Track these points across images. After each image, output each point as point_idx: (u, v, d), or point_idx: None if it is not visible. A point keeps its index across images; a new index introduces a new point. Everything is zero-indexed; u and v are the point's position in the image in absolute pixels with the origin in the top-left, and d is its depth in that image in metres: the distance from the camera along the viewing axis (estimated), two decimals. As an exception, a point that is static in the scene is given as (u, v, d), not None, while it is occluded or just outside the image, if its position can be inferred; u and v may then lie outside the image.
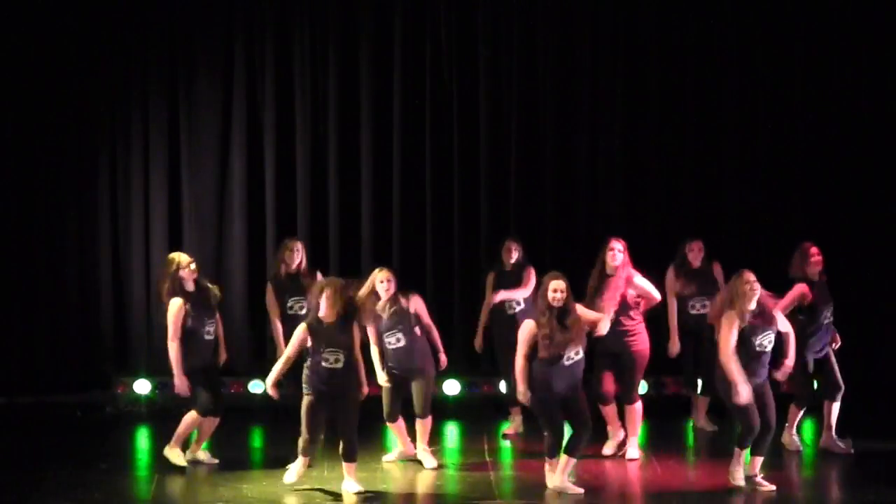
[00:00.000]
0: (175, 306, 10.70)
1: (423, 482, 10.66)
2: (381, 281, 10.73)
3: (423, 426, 11.00)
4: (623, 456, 11.14)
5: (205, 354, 10.84)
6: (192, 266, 10.81)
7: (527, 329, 10.04)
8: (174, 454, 10.91)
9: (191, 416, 10.85)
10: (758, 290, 9.94)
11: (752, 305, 9.92)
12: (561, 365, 9.93)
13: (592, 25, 13.76)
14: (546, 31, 13.73)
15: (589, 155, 13.84)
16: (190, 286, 10.80)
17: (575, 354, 9.97)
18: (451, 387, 13.35)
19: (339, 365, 9.94)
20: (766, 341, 9.98)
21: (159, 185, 13.71)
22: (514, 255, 12.02)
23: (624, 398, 11.14)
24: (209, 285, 10.98)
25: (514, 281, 11.94)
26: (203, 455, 11.08)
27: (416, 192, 13.80)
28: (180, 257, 10.88)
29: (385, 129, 13.76)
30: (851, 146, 13.79)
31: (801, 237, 13.34)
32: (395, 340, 10.78)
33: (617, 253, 10.95)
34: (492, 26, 13.74)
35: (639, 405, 11.14)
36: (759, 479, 10.13)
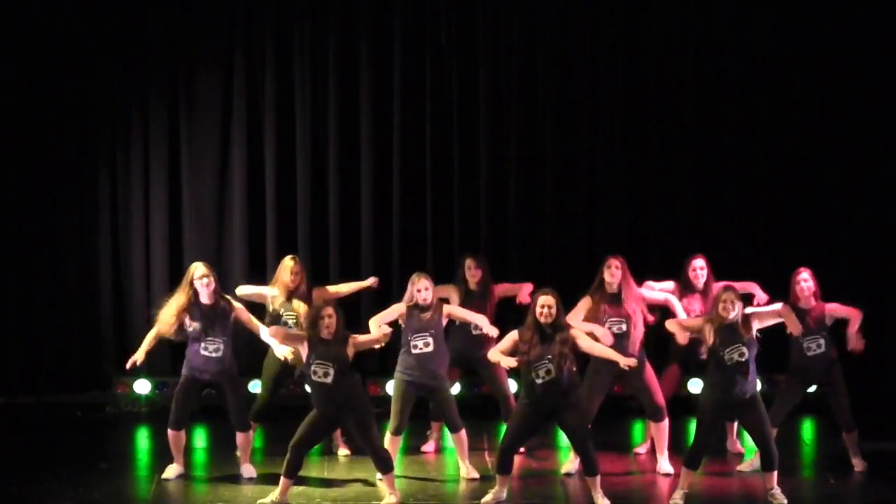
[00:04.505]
0: (176, 301, 10.50)
1: (422, 482, 10.66)
2: (419, 290, 10.53)
3: (462, 439, 10.79)
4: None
5: (200, 368, 10.57)
6: (205, 280, 10.51)
7: (510, 336, 9.90)
8: (174, 470, 10.69)
9: (169, 433, 10.69)
10: (734, 307, 9.79)
11: (728, 318, 9.79)
12: (533, 381, 9.69)
13: (593, 26, 13.75)
14: (546, 32, 13.73)
15: (589, 155, 13.82)
16: (205, 299, 10.54)
17: (545, 374, 9.65)
18: (451, 387, 13.31)
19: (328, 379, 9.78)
20: (735, 354, 9.74)
21: (159, 185, 13.71)
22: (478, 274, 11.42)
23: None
24: (224, 303, 10.66)
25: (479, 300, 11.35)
26: (246, 468, 10.78)
27: (415, 191, 13.80)
28: (195, 268, 10.62)
29: (385, 129, 13.75)
30: (852, 150, 13.77)
31: (802, 240, 13.37)
32: (424, 345, 10.54)
33: (615, 270, 10.68)
34: (492, 26, 13.74)
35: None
36: (774, 491, 9.96)
